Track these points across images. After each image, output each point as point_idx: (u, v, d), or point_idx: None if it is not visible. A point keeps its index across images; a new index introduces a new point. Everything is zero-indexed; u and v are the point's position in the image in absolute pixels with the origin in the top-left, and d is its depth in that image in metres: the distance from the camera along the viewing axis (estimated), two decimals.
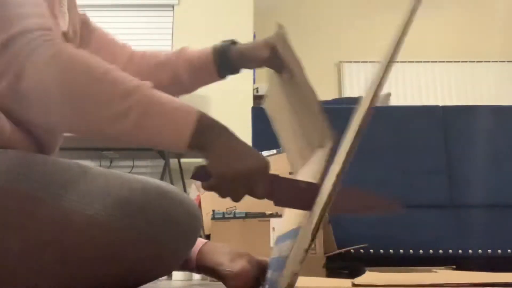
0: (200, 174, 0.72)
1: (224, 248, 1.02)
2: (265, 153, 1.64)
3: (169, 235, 0.77)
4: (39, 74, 0.63)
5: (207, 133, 0.71)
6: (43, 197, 0.69)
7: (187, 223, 0.80)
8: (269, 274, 0.91)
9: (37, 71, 0.63)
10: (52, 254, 0.69)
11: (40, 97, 0.64)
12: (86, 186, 0.72)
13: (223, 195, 0.73)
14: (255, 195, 0.73)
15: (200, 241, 1.02)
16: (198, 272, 1.02)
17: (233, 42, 0.97)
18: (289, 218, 0.94)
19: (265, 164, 0.72)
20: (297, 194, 0.71)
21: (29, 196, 0.68)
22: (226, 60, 0.95)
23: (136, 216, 0.73)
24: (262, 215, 1.57)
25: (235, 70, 0.98)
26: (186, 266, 1.02)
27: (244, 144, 0.73)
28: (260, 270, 0.99)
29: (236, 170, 0.70)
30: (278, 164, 1.40)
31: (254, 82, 3.58)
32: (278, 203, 0.74)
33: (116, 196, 0.72)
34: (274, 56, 0.89)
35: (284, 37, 0.87)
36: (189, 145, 0.70)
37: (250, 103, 3.29)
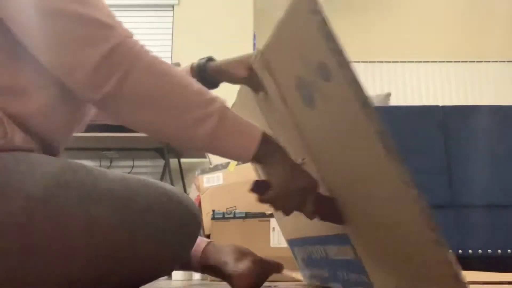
0: (259, 187, 0.79)
1: (228, 247, 1.02)
2: None
3: (170, 235, 0.77)
4: (141, 77, 0.70)
5: (269, 148, 0.78)
6: (43, 197, 0.69)
7: (187, 223, 0.80)
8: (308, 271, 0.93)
9: (140, 75, 0.69)
10: (53, 254, 0.69)
11: (138, 97, 0.70)
12: (87, 187, 0.72)
13: (276, 207, 0.79)
14: (304, 211, 0.78)
15: (203, 241, 1.02)
16: (202, 272, 1.02)
17: (210, 59, 0.99)
18: (302, 224, 0.96)
19: (315, 184, 0.78)
20: (336, 210, 0.79)
21: (30, 197, 0.68)
22: (204, 76, 0.98)
23: (137, 216, 0.73)
24: (262, 215, 1.57)
25: (214, 85, 1.00)
26: (189, 266, 1.02)
27: (297, 164, 0.80)
28: (264, 269, 0.99)
29: (292, 187, 0.77)
30: None
31: None
32: (323, 218, 0.80)
33: (118, 197, 0.73)
34: (250, 76, 0.91)
35: (268, 62, 0.85)
36: (253, 157, 0.76)
37: None
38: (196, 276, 1.65)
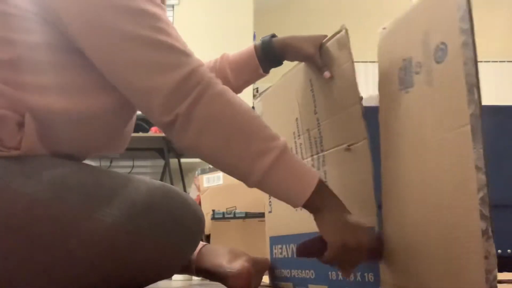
0: (312, 248, 0.77)
1: (222, 249, 1.02)
2: None
3: (174, 237, 0.77)
4: (211, 103, 0.71)
5: (323, 199, 0.75)
6: (46, 199, 0.69)
7: (192, 224, 0.80)
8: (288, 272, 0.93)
9: (211, 100, 0.71)
10: (58, 255, 0.69)
11: (206, 122, 0.71)
12: (90, 188, 0.72)
13: (335, 266, 0.77)
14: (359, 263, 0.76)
15: (199, 244, 1.02)
16: (197, 275, 1.02)
17: (273, 36, 0.99)
18: (294, 220, 0.96)
19: (370, 236, 0.76)
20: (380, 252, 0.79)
21: (34, 198, 0.68)
22: (269, 53, 0.98)
23: (141, 217, 0.73)
24: (262, 215, 1.57)
25: (278, 63, 1.00)
26: (185, 269, 1.02)
27: (351, 217, 0.75)
28: (258, 268, 0.99)
29: (348, 246, 0.72)
30: None
31: None
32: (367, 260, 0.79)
33: (122, 198, 0.72)
34: (316, 54, 0.92)
35: (344, 40, 0.88)
36: (305, 203, 0.74)
37: (249, 103, 3.30)
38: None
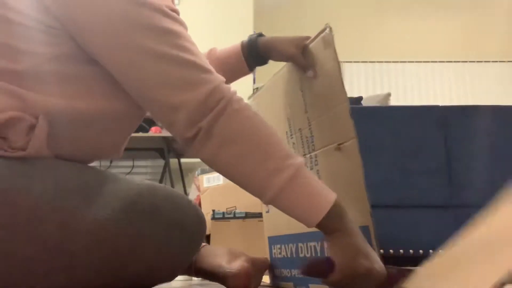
0: (319, 267, 0.75)
1: (220, 250, 1.02)
2: None
3: (176, 240, 0.77)
4: (233, 118, 0.74)
5: (339, 219, 0.74)
6: (50, 201, 0.68)
7: (194, 228, 0.80)
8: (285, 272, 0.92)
9: (232, 116, 0.74)
10: (60, 258, 0.69)
11: (226, 136, 0.73)
12: (94, 190, 0.72)
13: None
14: None
15: None
16: (197, 275, 1.02)
17: (260, 35, 1.02)
18: (285, 223, 0.96)
19: (382, 270, 0.75)
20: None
21: (38, 200, 0.68)
22: (254, 52, 1.01)
23: (144, 221, 0.73)
24: (262, 215, 1.57)
25: (263, 62, 1.03)
26: (185, 270, 1.02)
27: (366, 244, 0.75)
28: (258, 268, 0.99)
29: (357, 271, 0.72)
30: None
31: (254, 83, 3.58)
32: None
33: (125, 201, 0.72)
34: (299, 55, 0.94)
35: (329, 38, 0.89)
36: (319, 223, 0.74)
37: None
38: None
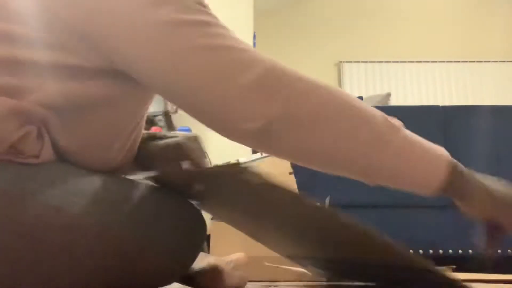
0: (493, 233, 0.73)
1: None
2: (264, 154, 1.63)
3: (178, 246, 0.77)
4: (308, 99, 0.65)
5: (461, 178, 0.69)
6: (56, 206, 0.69)
7: (195, 234, 0.80)
8: None
9: (306, 96, 0.65)
10: (62, 262, 0.69)
11: (313, 119, 0.65)
12: (101, 196, 0.72)
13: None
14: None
15: None
16: (181, 282, 1.01)
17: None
18: None
19: None
20: None
21: (45, 205, 0.68)
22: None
23: (148, 223, 0.73)
24: None
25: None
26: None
27: (499, 183, 0.71)
28: (233, 266, 0.98)
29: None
30: (277, 165, 1.39)
31: None
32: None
33: (130, 206, 0.73)
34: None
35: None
36: (440, 188, 0.68)
37: None
38: None
